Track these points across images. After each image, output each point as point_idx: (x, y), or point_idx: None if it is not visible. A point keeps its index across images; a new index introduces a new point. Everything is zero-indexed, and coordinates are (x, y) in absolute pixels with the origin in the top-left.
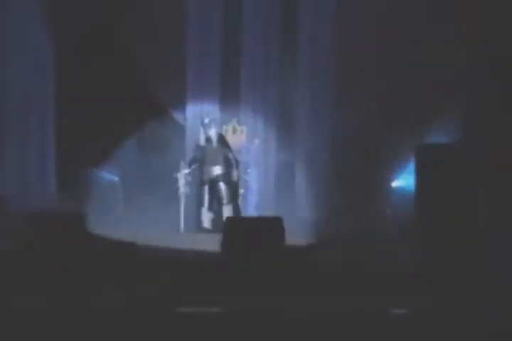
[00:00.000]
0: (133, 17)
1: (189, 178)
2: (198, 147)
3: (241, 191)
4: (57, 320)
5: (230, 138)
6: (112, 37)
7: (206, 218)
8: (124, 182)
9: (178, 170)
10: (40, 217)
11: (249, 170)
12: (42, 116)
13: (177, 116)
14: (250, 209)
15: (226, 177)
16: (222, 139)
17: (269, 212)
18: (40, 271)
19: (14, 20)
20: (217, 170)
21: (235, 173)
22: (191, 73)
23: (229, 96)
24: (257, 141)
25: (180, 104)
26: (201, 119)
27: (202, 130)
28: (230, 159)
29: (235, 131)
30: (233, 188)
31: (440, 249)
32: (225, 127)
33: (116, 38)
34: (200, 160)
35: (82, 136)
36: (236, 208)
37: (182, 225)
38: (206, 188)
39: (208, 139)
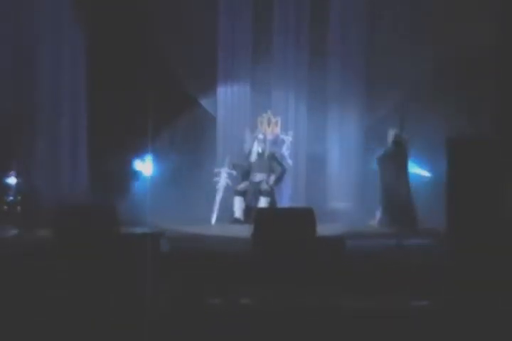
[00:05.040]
0: (164, 10)
1: (233, 173)
2: (247, 158)
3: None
4: (86, 312)
5: (265, 130)
6: (143, 28)
7: (238, 209)
8: (154, 173)
9: (221, 164)
10: (72, 210)
11: (283, 162)
12: (74, 109)
13: (208, 106)
14: (285, 200)
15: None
16: (272, 154)
17: (302, 202)
18: (72, 262)
19: (46, 20)
20: (262, 176)
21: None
22: (222, 63)
23: (261, 87)
24: (290, 133)
25: (212, 95)
26: (256, 134)
27: (255, 143)
28: (277, 169)
29: (269, 122)
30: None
31: (470, 244)
32: (260, 119)
33: (147, 30)
34: (248, 169)
35: (113, 128)
36: (273, 200)
37: (214, 216)
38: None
39: (259, 153)
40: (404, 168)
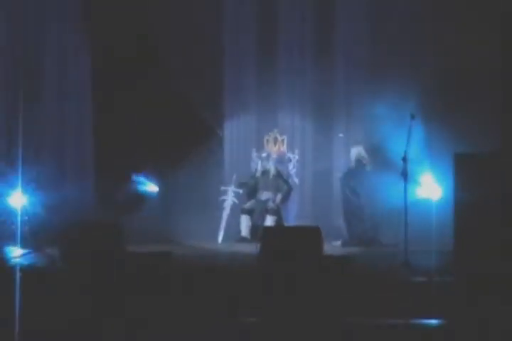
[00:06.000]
0: (170, 37)
1: (240, 191)
2: (253, 177)
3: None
4: (94, 332)
5: (272, 148)
6: (150, 55)
7: (245, 227)
8: (162, 192)
9: (228, 183)
10: (78, 227)
11: (290, 180)
12: (81, 127)
13: (215, 125)
14: (291, 218)
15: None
16: (278, 173)
17: (308, 220)
18: (79, 280)
19: (52, 34)
20: (268, 194)
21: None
22: (229, 84)
23: (267, 106)
24: (297, 151)
25: (219, 114)
26: (260, 153)
27: (259, 162)
28: (283, 187)
29: (276, 141)
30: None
31: (477, 259)
32: (266, 137)
33: (154, 57)
34: (254, 188)
35: (121, 147)
36: (279, 219)
37: (221, 234)
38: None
39: (265, 172)
40: (365, 186)
